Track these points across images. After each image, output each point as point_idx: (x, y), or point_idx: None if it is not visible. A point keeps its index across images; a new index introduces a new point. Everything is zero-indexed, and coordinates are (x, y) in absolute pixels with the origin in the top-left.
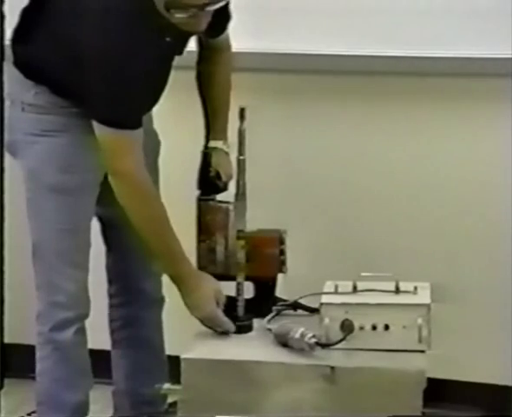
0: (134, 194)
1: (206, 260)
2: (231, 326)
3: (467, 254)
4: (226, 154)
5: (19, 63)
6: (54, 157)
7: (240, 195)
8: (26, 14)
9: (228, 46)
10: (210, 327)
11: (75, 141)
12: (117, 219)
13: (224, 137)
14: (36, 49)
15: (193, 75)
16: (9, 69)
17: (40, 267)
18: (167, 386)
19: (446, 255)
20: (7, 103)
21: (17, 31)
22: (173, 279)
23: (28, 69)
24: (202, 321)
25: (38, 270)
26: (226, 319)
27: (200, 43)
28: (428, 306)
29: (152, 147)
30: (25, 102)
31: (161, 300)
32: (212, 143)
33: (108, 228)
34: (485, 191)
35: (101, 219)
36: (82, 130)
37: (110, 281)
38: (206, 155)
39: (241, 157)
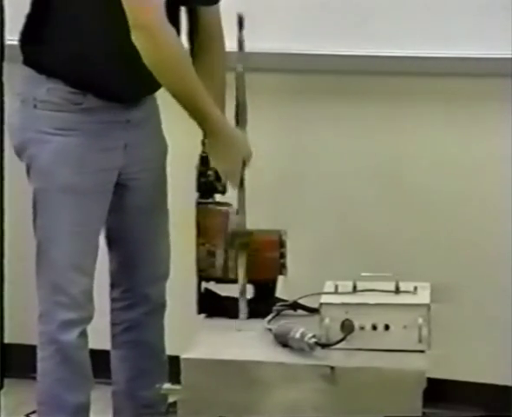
0: (158, 48)
1: (206, 263)
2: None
3: (467, 253)
4: None
5: (30, 61)
6: (66, 157)
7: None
8: (33, 15)
9: (220, 33)
10: (220, 179)
11: (87, 141)
12: (124, 223)
13: None
14: (53, 44)
15: None
16: (16, 68)
17: (44, 267)
18: (166, 386)
19: (446, 255)
20: (17, 104)
21: (26, 32)
22: (204, 129)
23: (41, 64)
24: (219, 173)
25: (42, 270)
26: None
27: (191, 34)
28: (428, 306)
29: (160, 151)
30: (38, 98)
31: (164, 305)
32: None
33: (113, 233)
34: (485, 191)
35: (106, 223)
36: (94, 130)
37: (113, 285)
38: (205, 158)
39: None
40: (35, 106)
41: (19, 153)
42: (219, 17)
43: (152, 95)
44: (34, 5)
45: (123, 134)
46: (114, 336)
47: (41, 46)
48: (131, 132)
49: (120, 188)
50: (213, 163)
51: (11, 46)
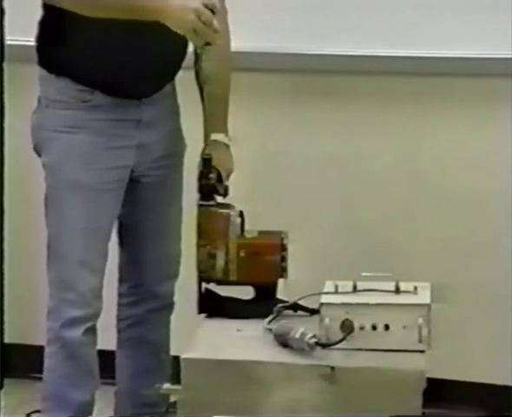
0: None
1: (206, 265)
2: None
3: (467, 254)
4: (227, 147)
5: (42, 62)
6: (73, 154)
7: None
8: (46, 17)
9: (225, 25)
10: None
11: (96, 139)
12: (135, 220)
13: (224, 130)
14: (62, 43)
15: (191, 75)
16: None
17: (53, 263)
18: (167, 386)
19: (446, 255)
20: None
21: (40, 34)
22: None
23: (50, 63)
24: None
25: (51, 266)
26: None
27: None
28: (428, 306)
29: (176, 150)
30: (49, 98)
31: (171, 305)
32: (212, 136)
33: (124, 228)
34: (485, 191)
35: (118, 217)
36: (103, 127)
37: (121, 280)
38: (206, 160)
39: None
40: (47, 105)
41: (37, 153)
42: (224, 7)
43: (166, 94)
44: (46, 7)
45: (135, 133)
46: (119, 332)
47: (52, 46)
48: (143, 132)
49: (132, 183)
50: (214, 163)
51: (11, 46)
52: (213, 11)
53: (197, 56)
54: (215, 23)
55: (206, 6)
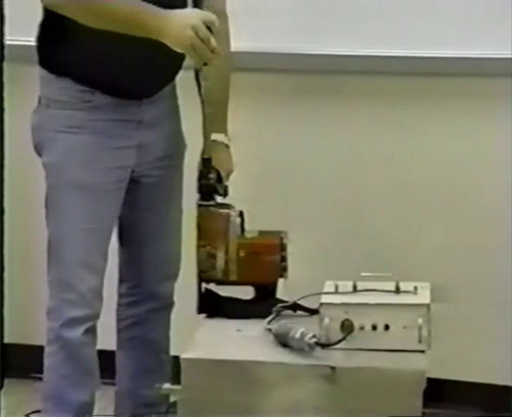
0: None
1: (206, 265)
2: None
3: (467, 253)
4: (227, 147)
5: (43, 62)
6: (74, 154)
7: None
8: (47, 17)
9: (225, 25)
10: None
11: (97, 139)
12: (135, 220)
13: (224, 130)
14: (63, 44)
15: (191, 75)
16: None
17: (53, 263)
18: (167, 386)
19: (446, 255)
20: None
21: (41, 34)
22: (143, 31)
23: (51, 63)
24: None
25: (52, 266)
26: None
27: None
28: (428, 306)
29: (176, 150)
30: (50, 98)
31: (171, 304)
32: (212, 136)
33: (124, 228)
34: (485, 191)
35: (118, 218)
36: (105, 128)
37: (121, 280)
38: (206, 160)
39: None
40: (48, 105)
41: (38, 153)
42: (224, 7)
43: (167, 94)
44: (46, 8)
45: (136, 134)
46: (119, 332)
47: (52, 46)
48: (144, 132)
49: (132, 184)
50: (214, 163)
51: (11, 46)
52: (210, 30)
53: None
54: (213, 41)
55: (204, 23)
